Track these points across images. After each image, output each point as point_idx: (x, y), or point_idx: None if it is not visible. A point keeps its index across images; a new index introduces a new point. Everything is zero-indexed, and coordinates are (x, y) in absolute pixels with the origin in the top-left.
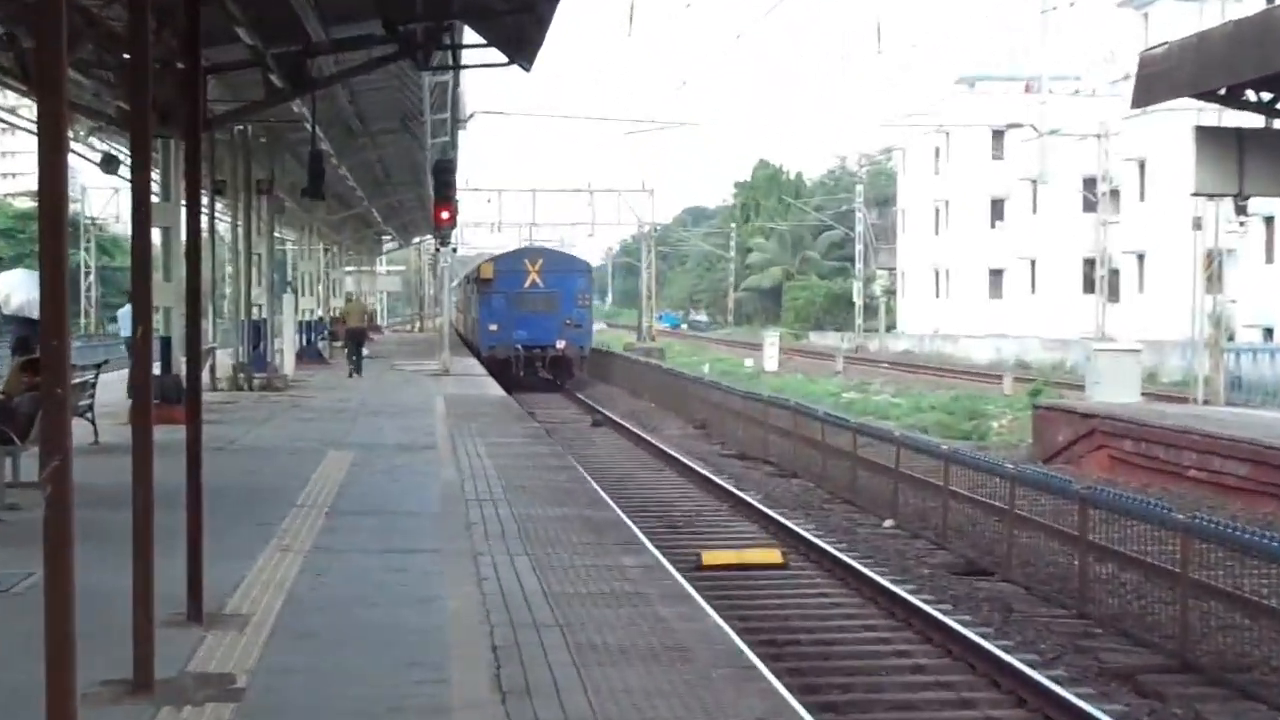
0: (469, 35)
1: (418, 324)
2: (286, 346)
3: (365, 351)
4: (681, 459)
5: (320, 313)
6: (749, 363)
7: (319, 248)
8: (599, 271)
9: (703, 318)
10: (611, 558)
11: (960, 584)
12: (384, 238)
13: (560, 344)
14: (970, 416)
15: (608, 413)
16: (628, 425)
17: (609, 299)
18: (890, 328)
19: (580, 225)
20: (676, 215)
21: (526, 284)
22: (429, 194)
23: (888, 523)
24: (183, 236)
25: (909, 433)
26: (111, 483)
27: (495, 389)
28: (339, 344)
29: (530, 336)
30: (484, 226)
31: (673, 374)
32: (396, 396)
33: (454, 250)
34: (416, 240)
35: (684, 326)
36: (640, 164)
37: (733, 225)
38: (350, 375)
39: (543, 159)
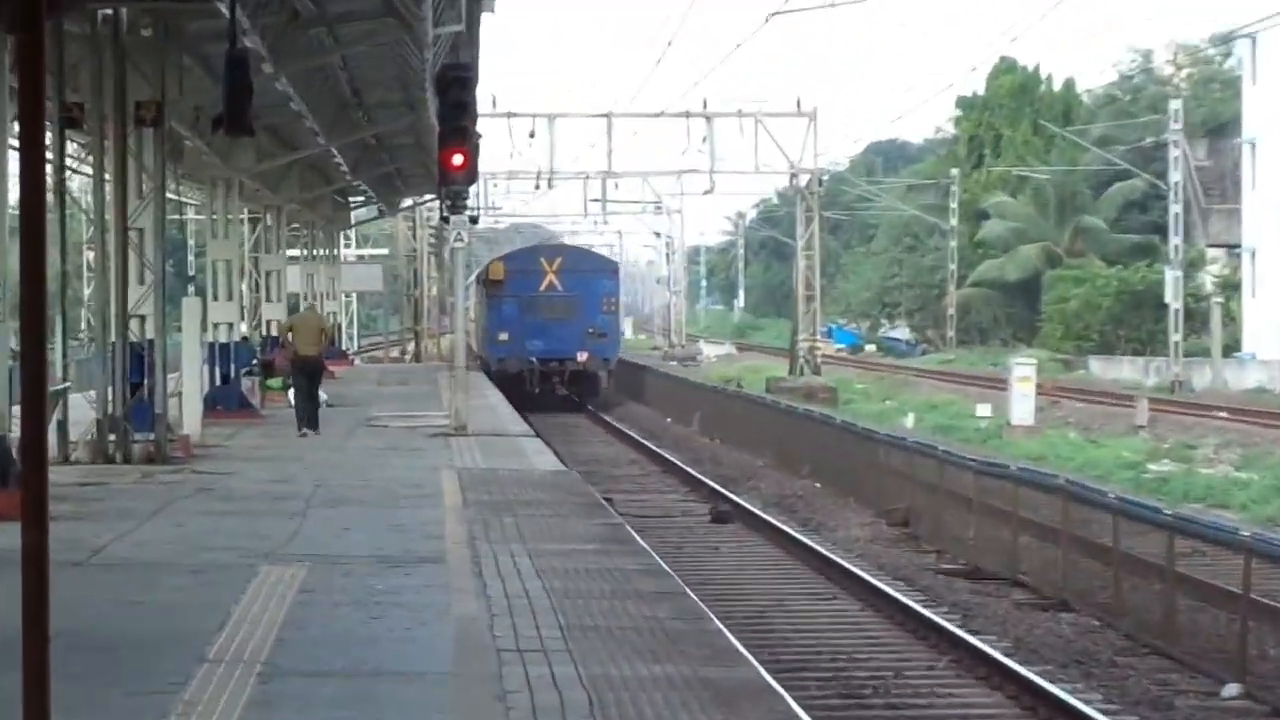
0: None
1: (411, 346)
2: (189, 387)
3: (324, 396)
4: (867, 577)
5: (246, 329)
6: (984, 411)
7: (242, 218)
8: (718, 253)
9: (902, 334)
10: None
11: None
12: (353, 201)
13: (582, 356)
14: None
15: (738, 497)
16: (773, 519)
17: (739, 300)
18: (1231, 349)
19: (692, 175)
20: (856, 156)
21: (543, 286)
22: (430, 124)
23: (1230, 689)
24: (10, 197)
25: (1268, 534)
26: None
27: (545, 457)
28: (279, 382)
29: (547, 348)
30: (522, 179)
31: (852, 432)
32: (377, 472)
33: (473, 220)
34: (408, 204)
35: (869, 348)
36: (791, 71)
37: (952, 174)
38: (301, 433)
39: (613, 67)
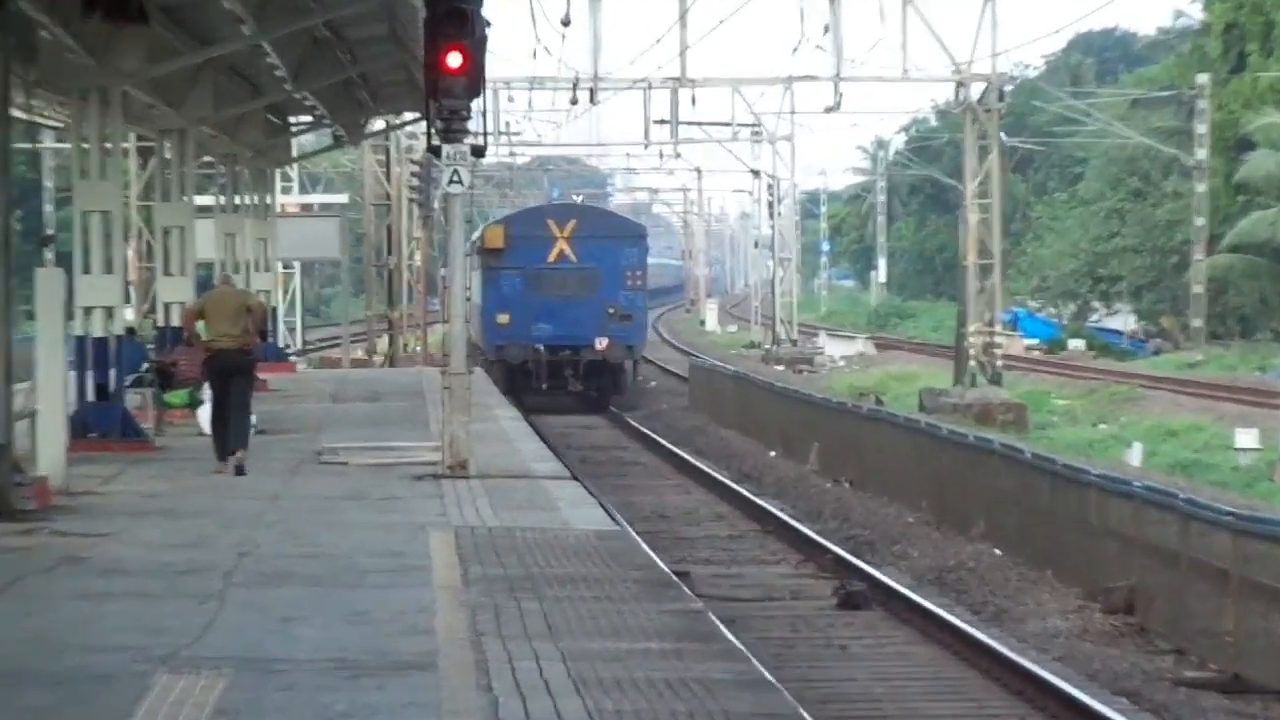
0: None
1: (386, 338)
2: (47, 403)
3: (253, 419)
4: (1073, 692)
5: (134, 316)
6: (1247, 440)
7: (127, 148)
8: (847, 202)
9: (1124, 323)
10: None
11: None
12: (296, 124)
13: (601, 343)
14: None
15: (878, 570)
16: (930, 603)
17: (878, 273)
18: None
19: (807, 83)
20: (1054, 55)
21: (552, 256)
22: (413, 6)
23: None
24: None
25: None
26: None
27: (586, 509)
28: (183, 396)
29: (557, 333)
30: (552, 90)
31: (1048, 473)
32: (331, 534)
33: (477, 152)
34: (379, 129)
35: (1074, 344)
36: None
37: (1200, 81)
38: (218, 468)
39: None
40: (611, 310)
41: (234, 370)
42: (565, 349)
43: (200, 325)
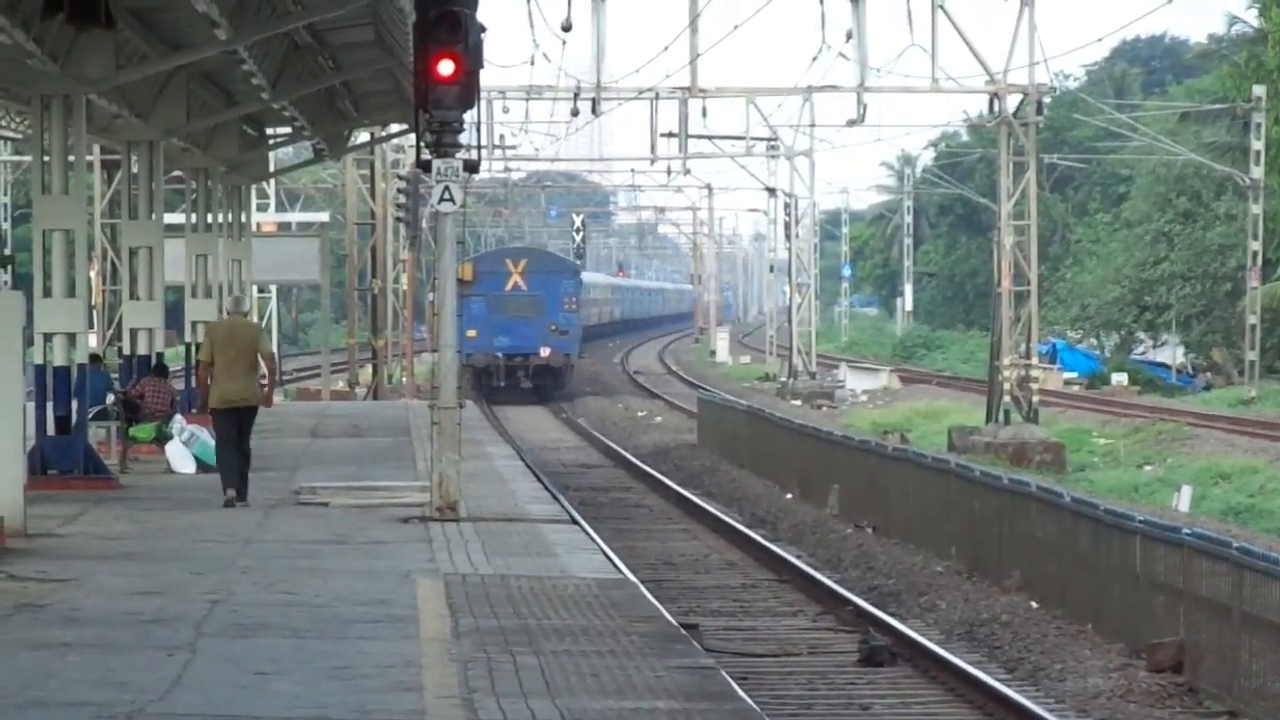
0: None
1: (369, 368)
2: (4, 438)
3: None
4: None
5: (96, 343)
6: None
7: (91, 160)
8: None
9: (1171, 355)
10: None
11: None
12: (274, 135)
13: (545, 352)
14: None
15: (903, 624)
16: (960, 660)
17: (904, 299)
18: None
19: (828, 94)
20: (1097, 64)
21: (508, 286)
22: (401, 9)
23: None
24: None
25: None
26: None
27: (586, 556)
28: (149, 430)
29: (512, 344)
30: (550, 100)
31: (1088, 518)
32: (311, 581)
33: (470, 167)
34: (364, 141)
35: (1118, 378)
36: None
37: (1256, 96)
38: (228, 502)
39: None
40: (553, 327)
41: (244, 406)
42: (518, 356)
43: (209, 360)
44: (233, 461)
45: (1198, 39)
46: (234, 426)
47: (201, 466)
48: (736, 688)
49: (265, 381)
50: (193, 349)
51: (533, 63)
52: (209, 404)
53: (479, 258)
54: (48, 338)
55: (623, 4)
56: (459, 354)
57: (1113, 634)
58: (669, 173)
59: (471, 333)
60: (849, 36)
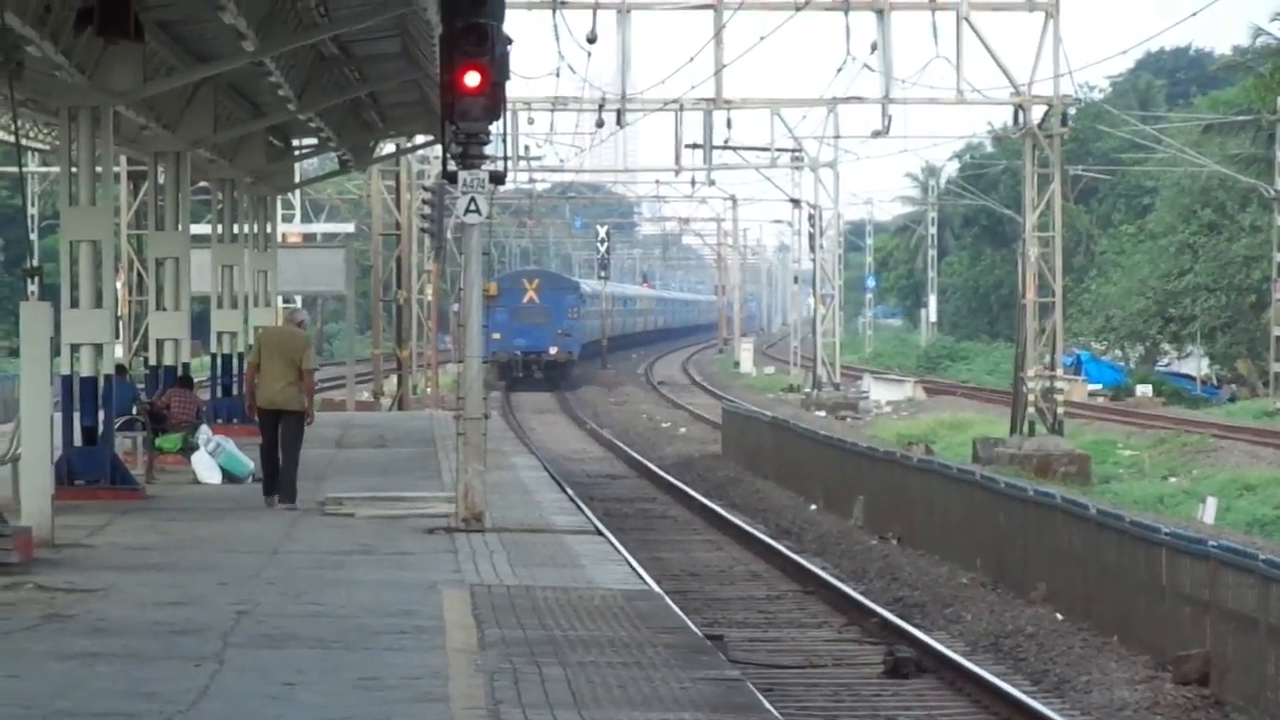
0: None
1: (394, 378)
2: (31, 448)
3: (250, 464)
4: None
5: (123, 354)
6: None
7: (118, 172)
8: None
9: (1196, 366)
10: None
11: None
12: (300, 147)
13: (553, 350)
14: None
15: (928, 635)
16: (985, 672)
17: (928, 310)
18: None
19: (853, 105)
20: (1121, 76)
21: (525, 300)
22: (427, 21)
23: None
24: None
25: None
26: None
27: (612, 567)
28: (175, 440)
29: (528, 344)
30: (576, 112)
31: (1114, 530)
32: (337, 592)
33: (496, 179)
34: (389, 153)
35: (1143, 390)
36: None
37: None
38: (272, 503)
39: None
40: (559, 331)
41: (282, 408)
42: (532, 353)
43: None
44: (269, 462)
45: (1222, 50)
46: (273, 428)
47: (227, 477)
48: (762, 699)
49: (304, 390)
50: (218, 360)
51: (558, 74)
52: (253, 405)
53: (501, 277)
54: (75, 348)
55: (648, 16)
56: (486, 352)
57: (1139, 646)
58: (693, 184)
59: (496, 335)
60: (874, 48)
